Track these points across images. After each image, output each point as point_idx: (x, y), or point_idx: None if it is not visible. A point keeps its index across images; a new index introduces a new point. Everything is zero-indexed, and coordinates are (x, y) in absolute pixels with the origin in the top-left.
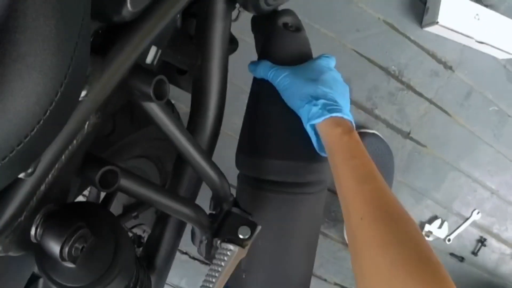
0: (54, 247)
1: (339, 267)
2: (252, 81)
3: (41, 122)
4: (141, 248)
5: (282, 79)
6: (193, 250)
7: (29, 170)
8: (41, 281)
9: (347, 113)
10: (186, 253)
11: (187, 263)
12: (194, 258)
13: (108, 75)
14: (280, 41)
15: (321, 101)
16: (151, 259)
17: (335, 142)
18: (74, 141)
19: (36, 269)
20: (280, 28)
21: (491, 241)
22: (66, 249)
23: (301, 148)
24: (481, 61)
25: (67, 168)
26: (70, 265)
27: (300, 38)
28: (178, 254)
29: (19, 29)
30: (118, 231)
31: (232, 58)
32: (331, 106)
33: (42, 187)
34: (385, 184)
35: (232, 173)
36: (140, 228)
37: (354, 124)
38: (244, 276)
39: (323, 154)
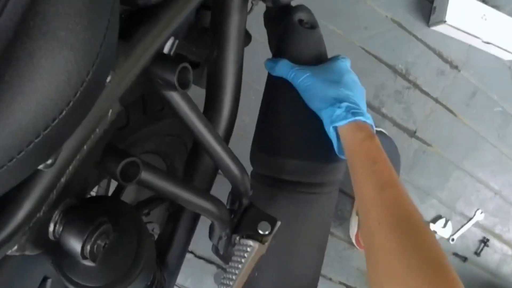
0: (75, 245)
1: (344, 266)
2: (267, 78)
3: (71, 105)
4: None
5: (304, 80)
6: (199, 249)
7: (49, 161)
8: (49, 282)
9: (368, 117)
10: (191, 252)
11: (192, 262)
12: (199, 257)
13: (133, 61)
14: (296, 38)
15: (345, 104)
16: (163, 257)
17: (357, 146)
18: (97, 130)
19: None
20: (296, 25)
21: (493, 242)
22: (88, 247)
23: (318, 149)
24: (486, 61)
25: (88, 159)
26: (90, 263)
27: (315, 35)
28: (189, 255)
29: (50, 1)
30: (140, 227)
31: None
32: (354, 110)
33: (62, 180)
34: (405, 191)
35: None
36: (150, 226)
37: (374, 128)
38: (256, 275)
39: (342, 157)
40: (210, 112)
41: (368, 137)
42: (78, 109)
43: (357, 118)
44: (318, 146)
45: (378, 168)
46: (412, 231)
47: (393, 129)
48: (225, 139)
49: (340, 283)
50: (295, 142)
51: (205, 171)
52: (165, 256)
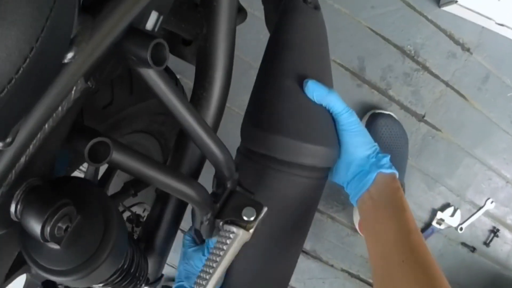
0: (35, 226)
1: (347, 252)
2: (266, 49)
3: (13, 82)
4: (140, 228)
5: (354, 123)
6: None
7: (8, 140)
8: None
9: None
10: None
11: None
12: None
13: (99, 37)
14: (300, 16)
15: (388, 154)
16: (150, 239)
17: (392, 194)
18: (60, 108)
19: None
20: (301, 2)
21: (504, 232)
22: (48, 229)
23: (319, 132)
24: (500, 44)
25: (51, 138)
26: (54, 246)
27: (318, 17)
28: (181, 235)
29: None
30: (108, 209)
31: (241, 32)
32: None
33: (22, 159)
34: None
35: None
36: (141, 206)
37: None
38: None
39: (353, 204)
40: (200, 90)
41: (400, 188)
42: (25, 86)
43: (396, 170)
44: (319, 129)
45: (407, 216)
46: (431, 272)
47: (401, 113)
48: (216, 119)
49: (343, 270)
50: (297, 121)
51: (192, 154)
52: (152, 238)
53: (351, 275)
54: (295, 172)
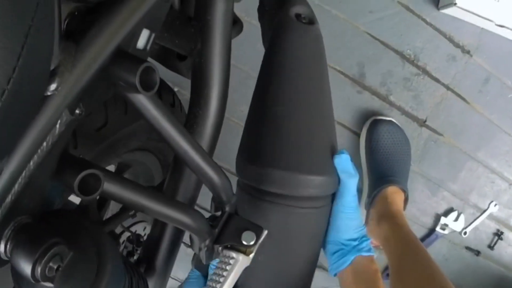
0: (25, 267)
1: None
2: (259, 71)
3: None
4: (140, 248)
5: (353, 208)
6: None
7: None
8: None
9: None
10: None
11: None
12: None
13: (83, 65)
14: (292, 34)
15: (368, 238)
16: (150, 260)
17: (369, 277)
18: (44, 144)
19: None
20: (293, 19)
21: (508, 235)
22: (39, 269)
23: (314, 160)
24: (500, 45)
25: (38, 174)
26: (48, 284)
27: (314, 32)
28: (183, 247)
29: None
30: (101, 243)
31: (238, 41)
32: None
33: (8, 199)
34: None
35: None
36: (142, 225)
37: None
38: None
39: (332, 275)
40: (196, 108)
41: (378, 271)
42: (2, 126)
43: (373, 253)
44: (311, 157)
45: None
46: None
47: (402, 118)
48: (213, 137)
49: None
50: (283, 150)
51: (188, 180)
52: (153, 259)
53: None
54: (293, 204)
